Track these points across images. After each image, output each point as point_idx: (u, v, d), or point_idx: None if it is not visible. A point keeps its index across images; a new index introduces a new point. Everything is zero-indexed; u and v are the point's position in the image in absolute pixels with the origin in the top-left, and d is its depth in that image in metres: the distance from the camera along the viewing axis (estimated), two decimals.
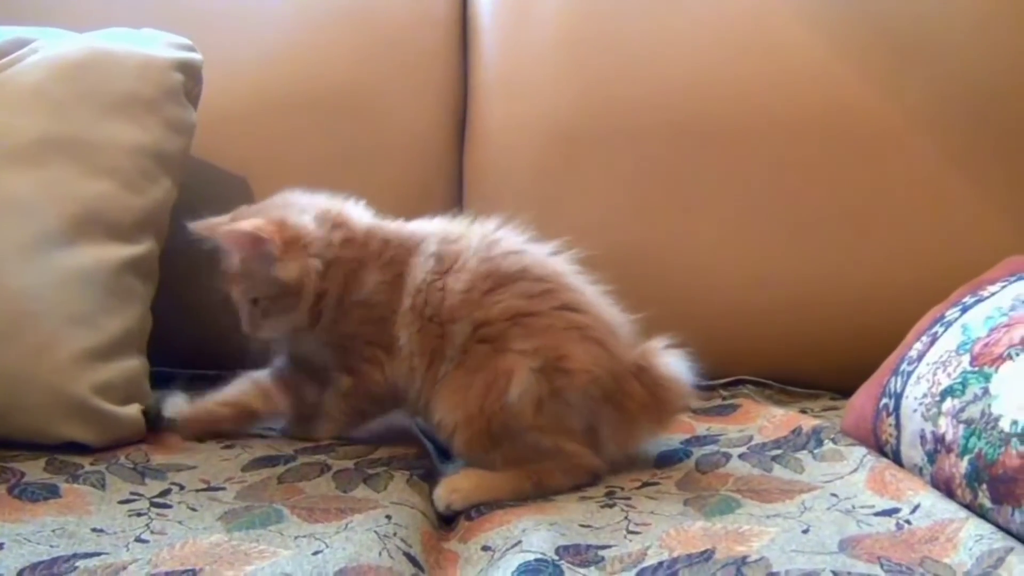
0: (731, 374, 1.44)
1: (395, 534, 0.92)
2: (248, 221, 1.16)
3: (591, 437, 1.10)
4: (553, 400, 1.07)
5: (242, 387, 1.23)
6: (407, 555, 0.89)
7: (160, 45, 1.35)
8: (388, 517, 0.96)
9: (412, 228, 1.21)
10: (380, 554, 0.88)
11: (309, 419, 1.23)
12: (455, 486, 1.07)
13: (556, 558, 0.88)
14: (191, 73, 1.36)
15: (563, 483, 1.08)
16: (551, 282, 1.14)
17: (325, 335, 1.19)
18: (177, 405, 1.22)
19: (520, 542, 0.92)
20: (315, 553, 0.87)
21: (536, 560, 0.88)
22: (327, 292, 1.16)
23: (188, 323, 1.40)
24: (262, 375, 1.24)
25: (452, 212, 1.50)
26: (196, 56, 1.37)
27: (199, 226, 1.17)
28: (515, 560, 0.88)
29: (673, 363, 1.13)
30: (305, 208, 1.20)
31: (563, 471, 1.09)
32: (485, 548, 0.94)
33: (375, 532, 0.92)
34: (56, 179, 1.22)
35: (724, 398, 1.39)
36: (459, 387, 1.10)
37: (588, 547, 0.92)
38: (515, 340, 1.09)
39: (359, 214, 1.22)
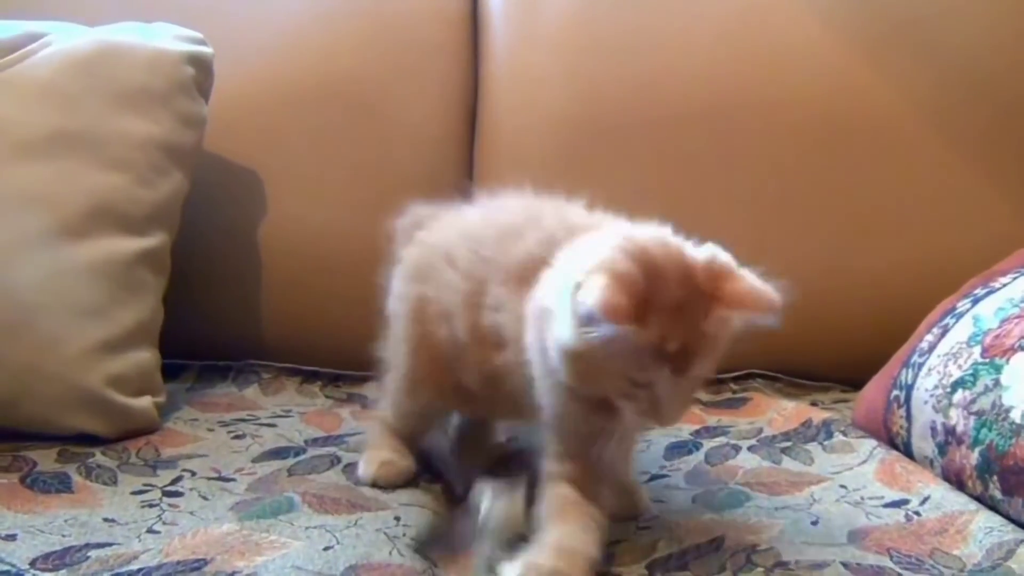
0: (741, 368, 1.43)
1: (404, 534, 0.92)
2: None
3: None
4: None
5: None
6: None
7: (171, 39, 1.35)
8: (397, 519, 0.96)
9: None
10: (390, 553, 0.88)
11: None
12: None
13: None
14: (202, 66, 1.36)
15: None
16: None
17: None
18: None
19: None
20: (326, 548, 0.88)
21: None
22: None
23: (198, 314, 1.41)
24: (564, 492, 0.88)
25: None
26: (207, 49, 1.38)
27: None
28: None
29: None
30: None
31: None
32: None
33: (384, 533, 0.92)
34: (68, 172, 1.22)
35: (734, 391, 1.39)
36: None
37: None
38: None
39: None
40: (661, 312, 0.79)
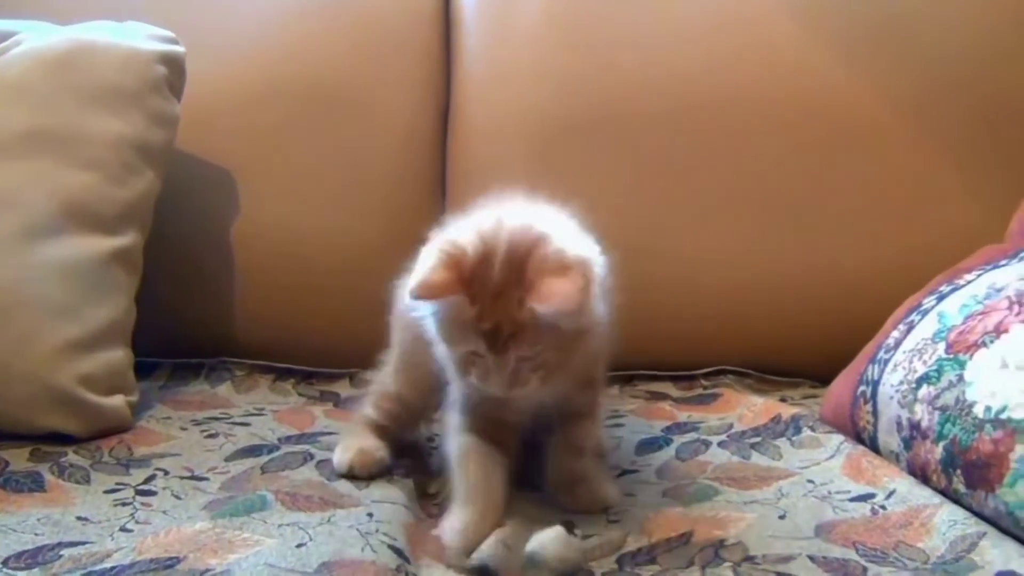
0: (712, 364, 1.45)
1: (377, 530, 0.92)
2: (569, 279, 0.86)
3: None
4: None
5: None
6: (391, 547, 0.90)
7: (143, 38, 1.35)
8: (370, 515, 0.96)
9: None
10: (363, 549, 0.88)
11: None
12: None
13: None
14: (174, 66, 1.36)
15: None
16: None
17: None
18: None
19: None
20: (299, 545, 0.88)
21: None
22: None
23: (171, 312, 1.41)
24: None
25: (435, 205, 1.51)
26: (179, 49, 1.37)
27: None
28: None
29: None
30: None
31: None
32: None
33: (357, 530, 0.92)
34: (40, 171, 1.22)
35: (705, 388, 1.41)
36: None
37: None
38: None
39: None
40: (483, 292, 0.87)
